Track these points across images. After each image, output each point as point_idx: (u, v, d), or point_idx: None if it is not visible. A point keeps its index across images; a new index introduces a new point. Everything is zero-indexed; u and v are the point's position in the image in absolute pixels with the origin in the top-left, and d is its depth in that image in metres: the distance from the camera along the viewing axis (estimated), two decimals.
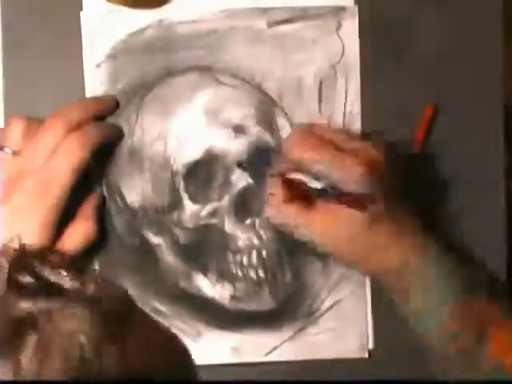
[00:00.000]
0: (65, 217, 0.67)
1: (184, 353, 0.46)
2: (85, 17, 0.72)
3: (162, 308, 0.73)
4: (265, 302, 0.73)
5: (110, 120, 0.72)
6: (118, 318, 0.41)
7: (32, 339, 0.38)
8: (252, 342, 0.73)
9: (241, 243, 0.72)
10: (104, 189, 0.72)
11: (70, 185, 0.66)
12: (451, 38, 0.74)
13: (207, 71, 0.72)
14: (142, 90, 0.72)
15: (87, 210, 0.70)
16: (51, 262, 0.43)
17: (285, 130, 0.73)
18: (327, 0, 0.73)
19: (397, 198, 0.67)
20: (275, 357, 0.73)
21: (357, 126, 0.73)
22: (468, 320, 0.66)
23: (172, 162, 0.72)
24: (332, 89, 0.73)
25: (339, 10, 0.73)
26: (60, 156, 0.65)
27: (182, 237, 0.72)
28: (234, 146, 0.72)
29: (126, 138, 0.72)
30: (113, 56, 0.72)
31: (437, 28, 0.74)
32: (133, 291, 0.72)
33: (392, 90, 0.73)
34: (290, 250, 0.73)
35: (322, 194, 0.65)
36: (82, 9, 0.72)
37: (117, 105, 0.72)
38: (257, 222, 0.72)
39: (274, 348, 0.73)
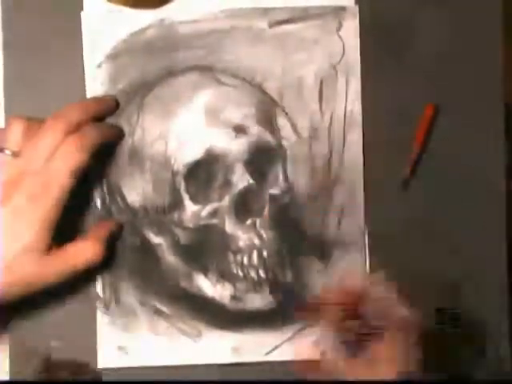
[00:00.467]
0: (65, 219, 0.67)
1: None
2: (85, 17, 0.72)
3: (163, 308, 0.73)
4: (265, 301, 0.73)
5: (111, 120, 0.72)
6: None
7: None
8: (252, 342, 0.73)
9: (241, 243, 0.72)
10: (105, 189, 0.72)
11: (69, 186, 0.66)
12: (451, 37, 0.74)
13: (208, 71, 0.73)
14: (142, 89, 0.72)
15: (99, 231, 0.70)
16: None
17: (285, 129, 0.73)
18: (328, 0, 0.73)
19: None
20: (275, 357, 0.73)
21: (357, 125, 0.73)
22: None
23: (173, 161, 0.72)
24: (332, 89, 0.73)
25: (340, 10, 0.73)
26: (59, 157, 0.65)
27: (183, 237, 0.73)
28: (235, 146, 0.72)
29: (126, 137, 0.72)
30: (113, 56, 0.72)
31: (437, 28, 0.74)
32: (133, 291, 0.73)
33: (392, 90, 0.73)
34: (291, 250, 0.73)
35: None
36: (82, 9, 0.72)
37: (117, 105, 0.72)
38: (257, 222, 0.72)
39: (275, 348, 0.73)
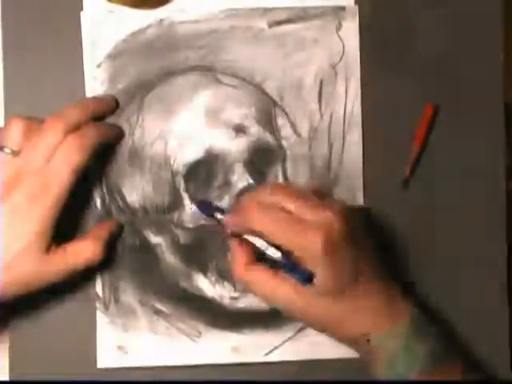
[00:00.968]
0: (66, 219, 0.67)
1: None
2: (85, 17, 0.72)
3: (162, 308, 0.73)
4: None
5: (111, 120, 0.72)
6: None
7: None
8: (252, 342, 0.73)
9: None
10: (104, 188, 0.72)
11: (69, 185, 0.66)
12: (451, 38, 0.74)
13: (208, 71, 0.73)
14: (142, 89, 0.72)
15: (100, 231, 0.70)
16: None
17: (285, 129, 0.73)
18: (327, 0, 0.73)
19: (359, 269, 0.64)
20: (275, 357, 0.73)
21: (357, 125, 0.73)
22: None
23: (172, 161, 0.72)
24: (332, 89, 0.73)
25: (339, 10, 0.73)
26: (59, 157, 0.65)
27: (183, 237, 0.73)
28: (235, 146, 0.72)
29: (126, 137, 0.72)
30: (113, 56, 0.72)
31: (437, 28, 0.74)
32: (133, 291, 0.73)
33: (392, 90, 0.73)
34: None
35: (274, 263, 0.65)
36: (82, 9, 0.72)
37: (117, 104, 0.72)
38: None
39: (274, 348, 0.73)
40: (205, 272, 0.73)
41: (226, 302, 0.73)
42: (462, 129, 0.74)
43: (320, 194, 0.67)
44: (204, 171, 0.72)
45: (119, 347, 0.72)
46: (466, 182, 0.74)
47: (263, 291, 0.65)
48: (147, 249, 0.73)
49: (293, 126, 0.73)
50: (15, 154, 0.66)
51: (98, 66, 0.72)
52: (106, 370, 0.72)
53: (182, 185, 0.72)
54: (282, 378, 0.73)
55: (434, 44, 0.74)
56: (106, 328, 0.72)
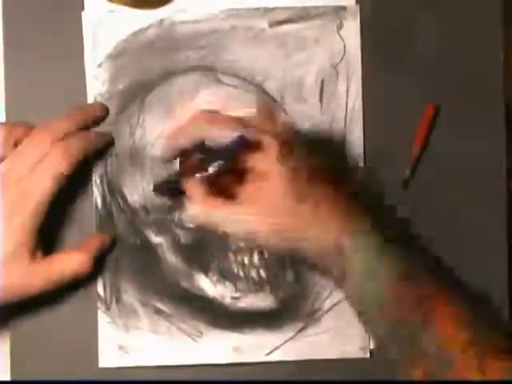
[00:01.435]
0: (66, 217, 0.67)
1: None
2: (86, 17, 0.72)
3: (164, 308, 0.73)
4: (266, 301, 0.73)
5: (112, 121, 0.72)
6: None
7: None
8: (253, 342, 0.73)
9: (242, 243, 0.72)
10: (105, 188, 0.72)
11: (50, 194, 0.66)
12: (451, 38, 0.74)
13: (208, 71, 0.73)
14: (143, 89, 0.72)
15: (91, 243, 0.70)
16: None
17: None
18: (328, 0, 0.73)
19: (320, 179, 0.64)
20: (276, 357, 0.73)
21: (358, 125, 0.73)
22: (408, 305, 0.62)
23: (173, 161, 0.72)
24: (333, 89, 0.73)
25: (340, 10, 0.73)
26: (43, 166, 0.66)
27: (184, 237, 0.73)
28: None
29: (127, 137, 0.72)
30: (114, 56, 0.72)
31: (437, 28, 0.74)
32: (134, 291, 0.73)
33: (392, 90, 0.73)
34: None
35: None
36: (83, 8, 0.72)
37: (107, 111, 0.72)
38: None
39: (275, 348, 0.73)
40: (206, 272, 0.73)
41: (228, 301, 0.73)
42: (463, 129, 0.74)
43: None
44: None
45: (120, 347, 0.72)
46: (466, 181, 0.74)
47: (224, 213, 0.64)
48: (148, 249, 0.73)
49: (293, 125, 0.73)
50: None
51: (99, 65, 0.72)
52: (108, 369, 0.72)
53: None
54: (282, 377, 0.73)
55: (433, 44, 0.74)
56: (107, 328, 0.72)
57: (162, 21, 0.73)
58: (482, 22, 0.74)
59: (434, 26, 0.73)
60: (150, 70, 0.72)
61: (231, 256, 0.72)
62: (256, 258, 0.72)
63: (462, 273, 0.73)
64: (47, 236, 0.69)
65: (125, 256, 0.73)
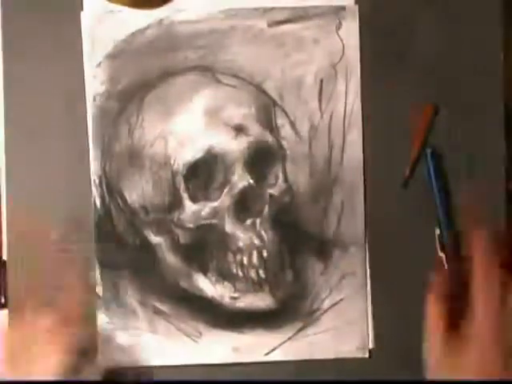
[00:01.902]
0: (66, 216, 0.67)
1: None
2: (85, 17, 0.72)
3: (163, 308, 0.73)
4: (265, 301, 0.73)
5: (111, 120, 0.72)
6: None
7: None
8: (252, 342, 0.73)
9: (241, 243, 0.72)
10: (104, 189, 0.73)
11: None
12: (451, 38, 0.74)
13: (207, 71, 0.73)
14: (142, 89, 0.72)
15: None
16: None
17: (285, 129, 0.73)
18: (327, 0, 0.73)
19: None
20: (275, 356, 0.73)
21: (357, 125, 0.73)
22: None
23: (172, 161, 0.72)
24: (332, 88, 0.73)
25: (339, 10, 0.73)
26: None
27: (183, 237, 0.73)
28: (235, 146, 0.72)
29: (126, 137, 0.72)
30: (113, 56, 0.72)
31: (437, 28, 0.74)
32: (133, 291, 0.73)
33: (392, 90, 0.73)
34: (291, 250, 0.73)
35: None
36: (82, 9, 0.72)
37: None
38: (257, 222, 0.72)
39: (275, 348, 0.73)
40: (205, 272, 0.73)
41: (227, 301, 0.73)
42: (462, 129, 0.74)
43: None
44: (204, 171, 0.72)
45: (120, 347, 0.72)
46: (466, 181, 0.74)
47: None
48: (147, 249, 0.73)
49: (293, 125, 0.73)
50: None
51: (98, 65, 0.72)
52: (108, 369, 0.72)
53: (182, 185, 0.72)
54: (281, 377, 0.73)
55: (433, 44, 0.74)
56: (106, 328, 0.72)
57: (160, 21, 0.73)
58: (482, 22, 0.74)
59: (434, 27, 0.73)
60: (149, 69, 0.72)
61: (230, 256, 0.72)
62: (255, 258, 0.72)
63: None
64: (47, 235, 0.69)
65: (124, 256, 0.73)
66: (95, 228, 0.72)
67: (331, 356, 0.73)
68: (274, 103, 0.73)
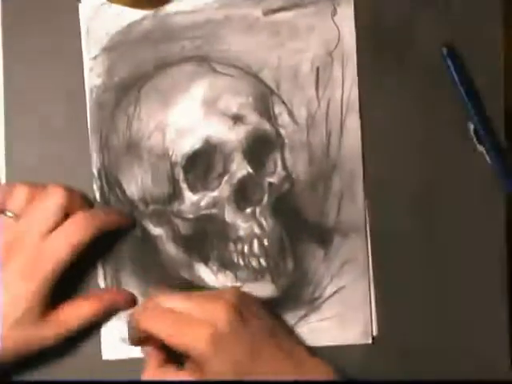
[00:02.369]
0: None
1: None
2: (82, 8, 0.73)
3: None
4: (267, 290, 0.73)
5: (108, 111, 0.72)
6: None
7: None
8: None
9: (242, 232, 0.72)
10: (103, 181, 0.73)
11: (65, 263, 0.66)
12: (451, 37, 0.73)
13: (204, 61, 0.73)
14: (139, 81, 0.73)
15: (104, 294, 0.71)
16: None
17: (283, 117, 0.73)
18: None
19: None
20: None
21: (355, 111, 0.73)
22: None
23: (171, 152, 0.72)
24: (329, 75, 0.73)
25: None
26: (61, 232, 0.66)
27: (183, 227, 0.72)
28: (233, 136, 0.72)
29: (124, 129, 0.73)
30: (110, 48, 0.73)
31: (437, 28, 0.73)
32: (135, 283, 0.73)
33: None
34: (291, 238, 0.73)
35: None
36: (79, 1, 0.73)
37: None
38: (257, 210, 0.72)
39: None
40: (206, 262, 0.73)
41: None
42: (462, 129, 0.73)
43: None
44: (203, 161, 0.72)
45: (123, 339, 0.72)
46: (465, 181, 0.73)
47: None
48: (148, 240, 0.73)
49: (290, 113, 0.73)
50: (17, 218, 0.66)
51: (94, 58, 0.73)
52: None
53: (181, 175, 0.72)
54: None
55: (433, 44, 0.73)
56: (109, 320, 0.72)
57: (156, 12, 0.73)
58: (482, 22, 0.74)
59: (434, 27, 0.73)
60: (146, 61, 0.73)
61: (231, 245, 0.72)
62: (256, 247, 0.72)
63: (461, 273, 0.73)
64: None
65: (125, 248, 0.73)
66: None
67: (334, 343, 0.72)
68: (271, 92, 0.73)
